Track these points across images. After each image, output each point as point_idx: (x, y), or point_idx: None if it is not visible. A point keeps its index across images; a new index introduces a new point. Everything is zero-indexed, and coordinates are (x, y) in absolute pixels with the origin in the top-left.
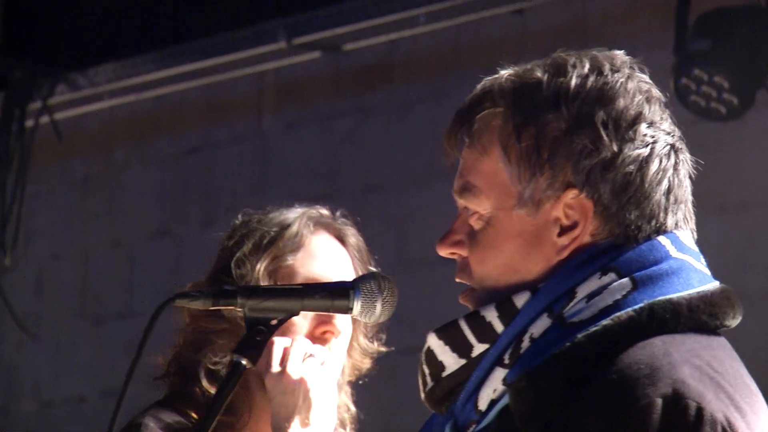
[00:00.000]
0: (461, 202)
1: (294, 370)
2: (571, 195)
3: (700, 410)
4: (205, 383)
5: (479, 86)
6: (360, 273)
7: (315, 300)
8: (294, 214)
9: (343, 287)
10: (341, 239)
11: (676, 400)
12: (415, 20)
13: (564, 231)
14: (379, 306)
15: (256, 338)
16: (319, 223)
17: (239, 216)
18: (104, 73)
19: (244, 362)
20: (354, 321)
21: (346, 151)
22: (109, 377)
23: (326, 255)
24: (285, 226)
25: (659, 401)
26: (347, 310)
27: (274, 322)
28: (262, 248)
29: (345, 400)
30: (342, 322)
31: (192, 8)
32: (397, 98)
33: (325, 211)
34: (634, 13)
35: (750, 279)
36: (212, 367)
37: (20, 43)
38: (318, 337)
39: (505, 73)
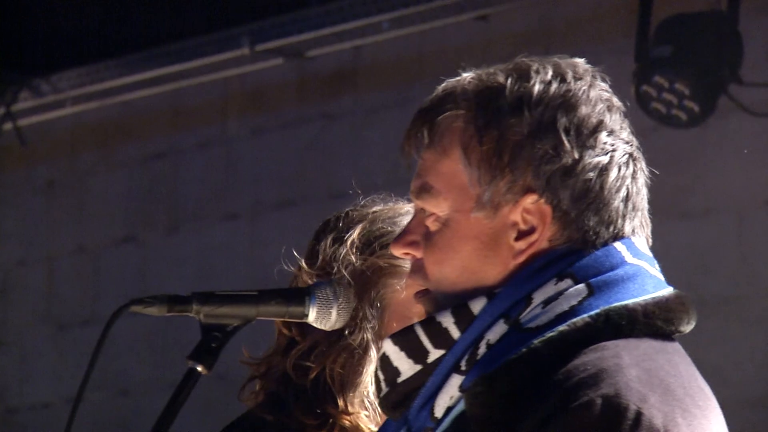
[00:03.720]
0: (418, 203)
1: None
2: (530, 200)
3: (639, 414)
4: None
5: (441, 88)
6: None
7: (271, 306)
8: None
9: (299, 293)
10: None
11: (617, 402)
12: (378, 26)
13: (521, 235)
14: (334, 313)
15: (212, 344)
16: None
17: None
18: (68, 79)
19: (199, 369)
20: None
21: (311, 157)
22: (74, 383)
23: None
24: None
25: (599, 401)
26: (303, 316)
27: (229, 328)
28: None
29: None
30: None
31: (156, 14)
32: (362, 104)
33: None
34: (597, 20)
35: (712, 284)
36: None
37: None
38: None
39: (467, 75)
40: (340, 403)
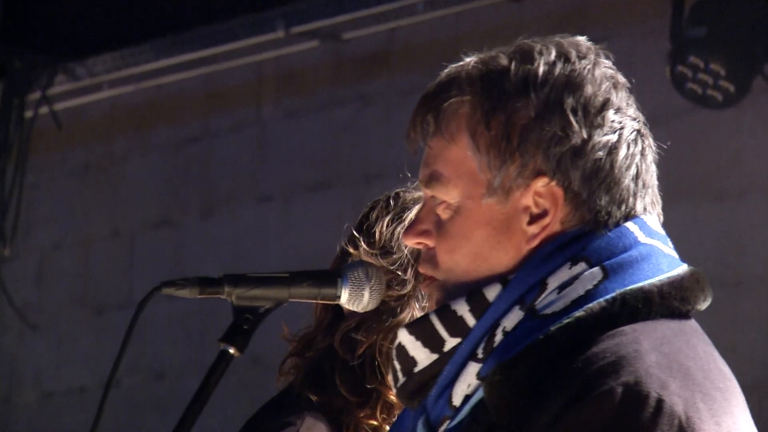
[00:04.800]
0: (428, 191)
1: None
2: (541, 183)
3: (659, 401)
4: None
5: (444, 73)
6: None
7: (302, 288)
8: None
9: (330, 275)
10: None
11: (637, 390)
12: (414, 8)
13: (534, 219)
14: (366, 294)
15: (243, 326)
16: None
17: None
18: (103, 63)
19: (231, 351)
20: None
21: (346, 139)
22: (109, 367)
23: None
24: None
25: (619, 389)
26: (335, 298)
27: (261, 310)
28: None
29: None
30: None
31: None
32: (397, 86)
33: None
34: (631, 0)
35: (748, 265)
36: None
37: (19, 33)
38: None
39: (470, 60)
40: (389, 378)
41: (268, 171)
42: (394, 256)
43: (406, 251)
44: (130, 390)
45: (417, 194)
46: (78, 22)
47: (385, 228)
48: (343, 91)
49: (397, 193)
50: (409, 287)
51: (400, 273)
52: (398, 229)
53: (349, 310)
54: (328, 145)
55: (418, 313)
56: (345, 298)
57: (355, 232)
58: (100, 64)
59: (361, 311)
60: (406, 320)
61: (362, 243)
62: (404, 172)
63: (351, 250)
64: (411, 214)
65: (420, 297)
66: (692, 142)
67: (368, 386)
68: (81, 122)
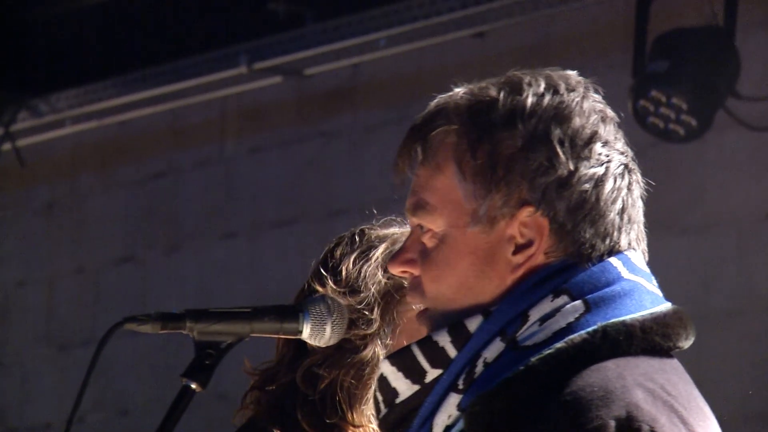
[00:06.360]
0: (414, 219)
1: None
2: (526, 213)
3: None
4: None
5: (433, 104)
6: None
7: (264, 323)
8: None
9: (292, 310)
10: None
11: (630, 423)
12: (375, 44)
13: (518, 249)
14: (328, 329)
15: (205, 362)
16: None
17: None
18: (66, 99)
19: (193, 386)
20: None
21: (309, 175)
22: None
23: None
24: None
25: (612, 423)
26: (297, 332)
27: (223, 345)
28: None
29: None
30: None
31: (153, 34)
32: (360, 122)
33: None
34: (594, 35)
35: (712, 299)
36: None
37: None
38: None
39: (459, 91)
40: (349, 415)
41: (233, 207)
42: (362, 295)
43: (373, 290)
44: (94, 426)
45: (383, 232)
46: (40, 59)
47: (351, 266)
48: (306, 126)
49: (362, 230)
50: (375, 326)
51: (366, 312)
52: (365, 267)
53: (313, 345)
54: (293, 181)
55: (380, 351)
56: (306, 333)
57: (321, 270)
58: (63, 100)
59: (324, 346)
60: (368, 357)
61: (329, 281)
62: (370, 208)
63: (318, 287)
64: (377, 253)
65: (383, 334)
66: (655, 177)
67: (328, 421)
68: (44, 159)
